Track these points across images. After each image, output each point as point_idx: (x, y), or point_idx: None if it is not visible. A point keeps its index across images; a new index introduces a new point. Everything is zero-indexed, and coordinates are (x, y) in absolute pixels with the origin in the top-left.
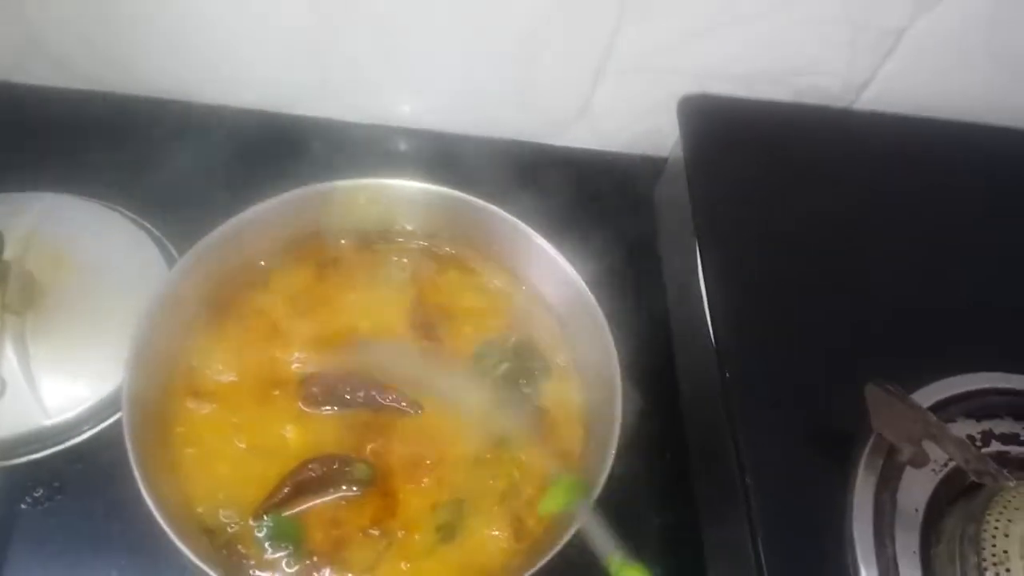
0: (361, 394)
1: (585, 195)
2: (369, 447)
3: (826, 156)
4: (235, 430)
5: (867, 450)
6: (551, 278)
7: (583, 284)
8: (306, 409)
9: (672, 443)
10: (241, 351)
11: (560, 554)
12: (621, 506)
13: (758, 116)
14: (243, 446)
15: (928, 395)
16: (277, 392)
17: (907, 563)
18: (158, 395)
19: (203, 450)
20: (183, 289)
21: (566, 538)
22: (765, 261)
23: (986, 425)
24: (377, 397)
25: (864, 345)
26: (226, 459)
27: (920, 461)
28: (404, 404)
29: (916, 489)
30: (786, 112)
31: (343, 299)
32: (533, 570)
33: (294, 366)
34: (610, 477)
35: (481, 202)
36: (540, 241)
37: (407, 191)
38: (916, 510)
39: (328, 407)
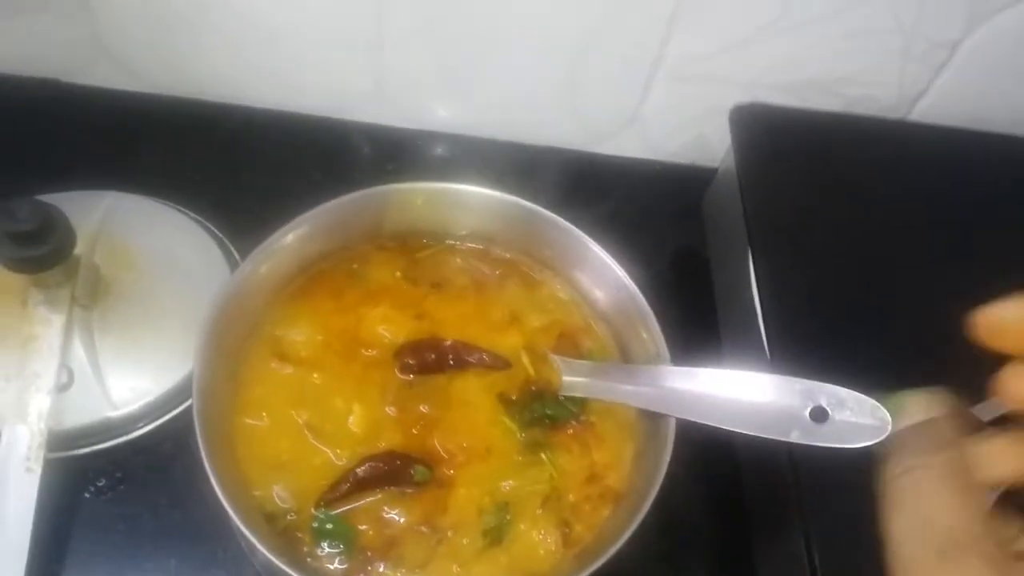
0: (451, 358)
1: (634, 203)
2: (420, 428)
3: (880, 167)
4: (310, 396)
5: None
6: (604, 284)
7: (638, 292)
8: (401, 376)
9: (725, 453)
10: (325, 318)
11: (612, 562)
12: (671, 519)
13: (810, 126)
14: (306, 427)
15: (987, 410)
16: (366, 352)
17: None
18: (224, 386)
19: (268, 425)
20: (245, 287)
21: (617, 546)
22: (818, 270)
23: None
24: (465, 356)
25: (922, 357)
26: (288, 437)
27: None
28: (488, 359)
29: None
30: (838, 122)
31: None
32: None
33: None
34: (661, 488)
35: (536, 207)
36: (594, 247)
37: (464, 195)
38: None
39: (419, 374)
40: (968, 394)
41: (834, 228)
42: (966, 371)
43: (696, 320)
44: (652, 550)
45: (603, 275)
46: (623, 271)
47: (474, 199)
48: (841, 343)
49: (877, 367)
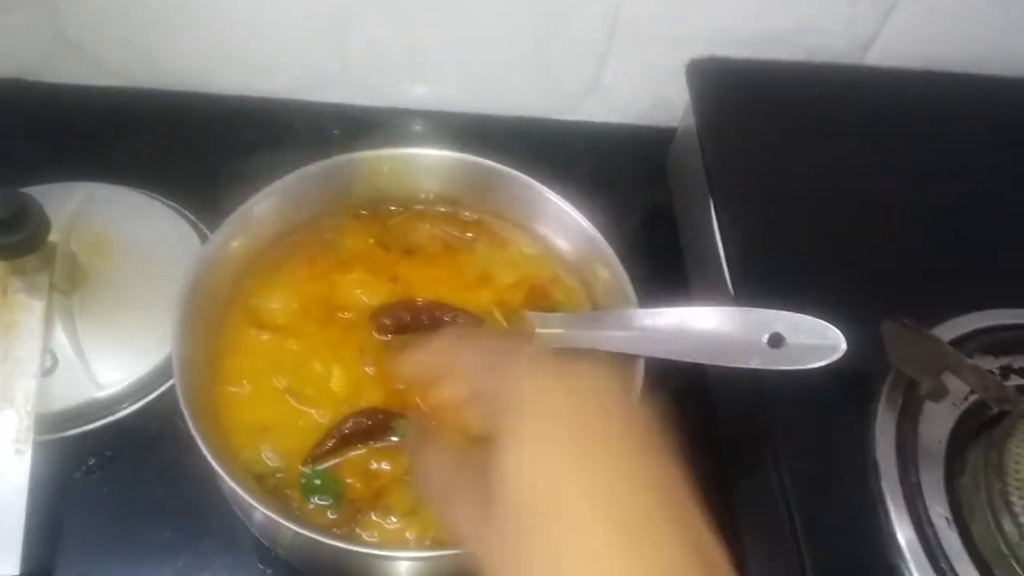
0: (425, 317)
1: (600, 167)
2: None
3: (836, 112)
4: (289, 362)
5: (887, 387)
6: (567, 233)
7: (598, 234)
8: (379, 337)
9: (696, 394)
10: (300, 286)
11: None
12: None
13: (766, 76)
14: (287, 392)
15: (945, 332)
16: (342, 315)
17: (932, 493)
18: (204, 357)
19: (250, 391)
20: (218, 258)
21: None
22: (780, 215)
23: (1004, 360)
24: (439, 316)
25: (881, 288)
26: (270, 402)
27: (938, 394)
28: (462, 319)
29: (937, 423)
30: (794, 71)
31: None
32: None
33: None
34: None
35: (499, 166)
36: (553, 197)
37: (428, 159)
38: (939, 442)
39: (396, 334)
40: (922, 319)
41: (794, 173)
42: (919, 298)
43: (665, 272)
44: None
45: (565, 224)
46: (582, 217)
47: (438, 162)
48: (801, 279)
49: (836, 299)
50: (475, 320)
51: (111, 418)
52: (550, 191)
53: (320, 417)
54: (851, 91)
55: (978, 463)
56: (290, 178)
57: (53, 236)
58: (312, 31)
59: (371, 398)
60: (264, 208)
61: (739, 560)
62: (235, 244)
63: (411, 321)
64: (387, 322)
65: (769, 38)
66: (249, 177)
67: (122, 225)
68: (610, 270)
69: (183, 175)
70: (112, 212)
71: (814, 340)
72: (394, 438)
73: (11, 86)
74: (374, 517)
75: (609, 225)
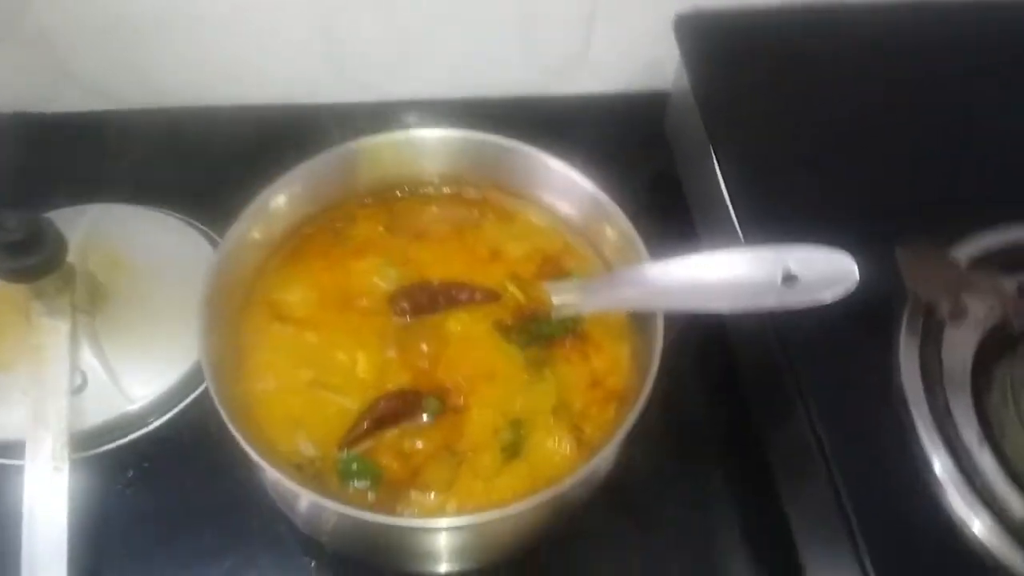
0: (442, 297)
1: (598, 137)
2: (424, 365)
3: (829, 51)
4: (313, 353)
5: (906, 313)
6: (569, 196)
7: (599, 191)
8: (398, 320)
9: (716, 346)
10: (316, 276)
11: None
12: (671, 410)
13: (754, 23)
14: (314, 380)
15: (960, 253)
16: (360, 302)
17: (962, 414)
18: (230, 355)
19: (278, 385)
20: (236, 254)
21: (620, 436)
22: (784, 156)
23: (1022, 277)
24: (456, 295)
25: (892, 214)
26: (299, 394)
27: (958, 314)
28: (479, 295)
29: (961, 346)
30: (781, 15)
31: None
32: (593, 463)
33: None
34: (656, 384)
35: (498, 138)
36: (552, 162)
37: (429, 139)
38: (964, 364)
39: (414, 316)
40: (936, 241)
41: (792, 113)
42: (931, 221)
43: (676, 232)
44: (663, 447)
45: (566, 187)
46: (584, 179)
47: (438, 142)
48: (810, 215)
49: (847, 229)
50: (492, 295)
51: (144, 430)
52: (550, 157)
53: (350, 404)
54: (842, 29)
55: (1005, 380)
56: (297, 171)
57: (70, 257)
58: (300, 36)
59: (397, 380)
60: (275, 203)
61: (774, 501)
62: (249, 241)
63: (428, 302)
64: (405, 305)
65: None
66: (253, 182)
67: (135, 241)
68: (617, 228)
69: (188, 188)
70: (124, 230)
71: (827, 271)
72: (425, 417)
73: (14, 120)
74: (413, 496)
75: (615, 193)
